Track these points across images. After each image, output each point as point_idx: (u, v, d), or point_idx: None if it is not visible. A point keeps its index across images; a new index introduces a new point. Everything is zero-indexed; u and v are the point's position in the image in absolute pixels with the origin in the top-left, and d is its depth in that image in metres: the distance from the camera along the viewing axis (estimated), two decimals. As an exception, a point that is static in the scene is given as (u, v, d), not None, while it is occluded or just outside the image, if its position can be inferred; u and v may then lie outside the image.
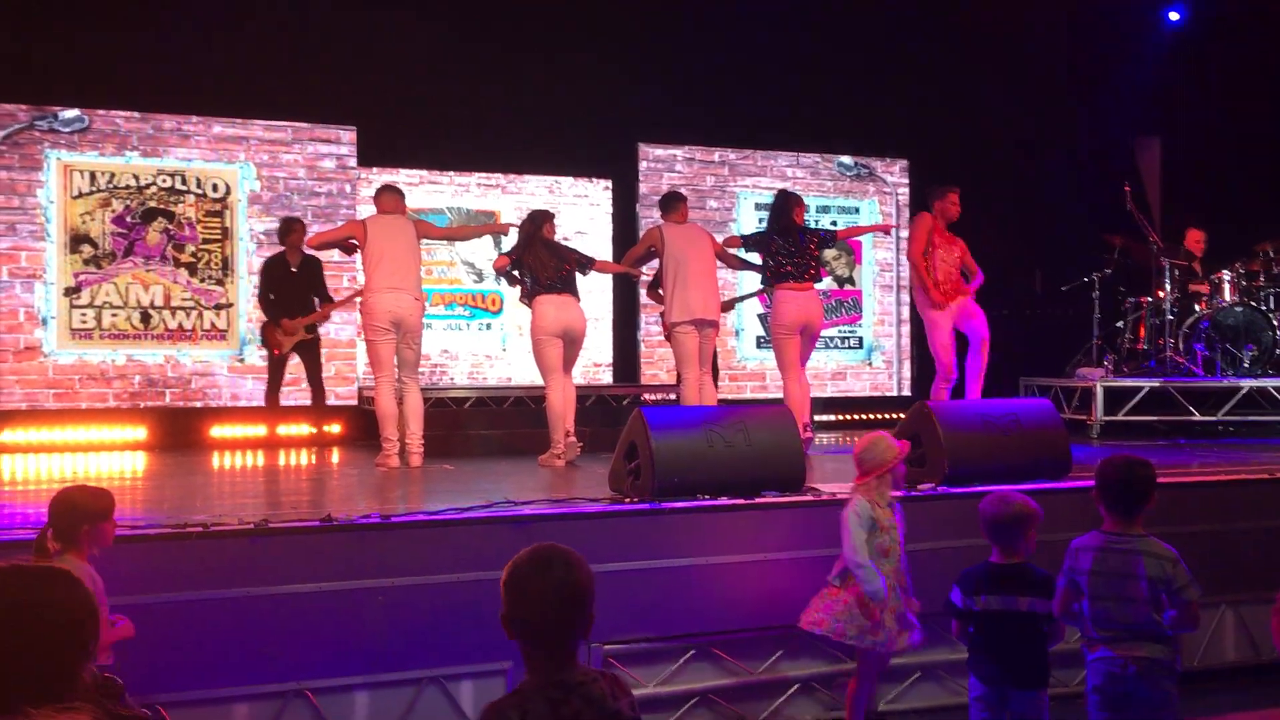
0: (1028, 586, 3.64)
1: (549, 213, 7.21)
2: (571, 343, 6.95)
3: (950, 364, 7.49)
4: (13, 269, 8.50)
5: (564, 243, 7.74)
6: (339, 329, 9.17)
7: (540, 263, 6.89)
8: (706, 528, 4.77)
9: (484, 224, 7.98)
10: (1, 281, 8.48)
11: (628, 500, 4.96)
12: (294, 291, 8.03)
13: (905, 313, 11.02)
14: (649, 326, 10.11)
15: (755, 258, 7.48)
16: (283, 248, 8.21)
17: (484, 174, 9.93)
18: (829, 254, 10.69)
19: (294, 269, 8.15)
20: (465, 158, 9.75)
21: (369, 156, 9.42)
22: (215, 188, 9.00)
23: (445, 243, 9.71)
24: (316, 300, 8.19)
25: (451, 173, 9.86)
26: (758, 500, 4.92)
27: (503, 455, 7.62)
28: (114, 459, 7.91)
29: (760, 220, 10.33)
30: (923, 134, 10.66)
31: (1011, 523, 3.66)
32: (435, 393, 8.65)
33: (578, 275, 7.08)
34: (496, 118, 9.62)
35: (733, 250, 7.52)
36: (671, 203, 7.43)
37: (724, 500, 4.90)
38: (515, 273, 7.04)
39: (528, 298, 6.99)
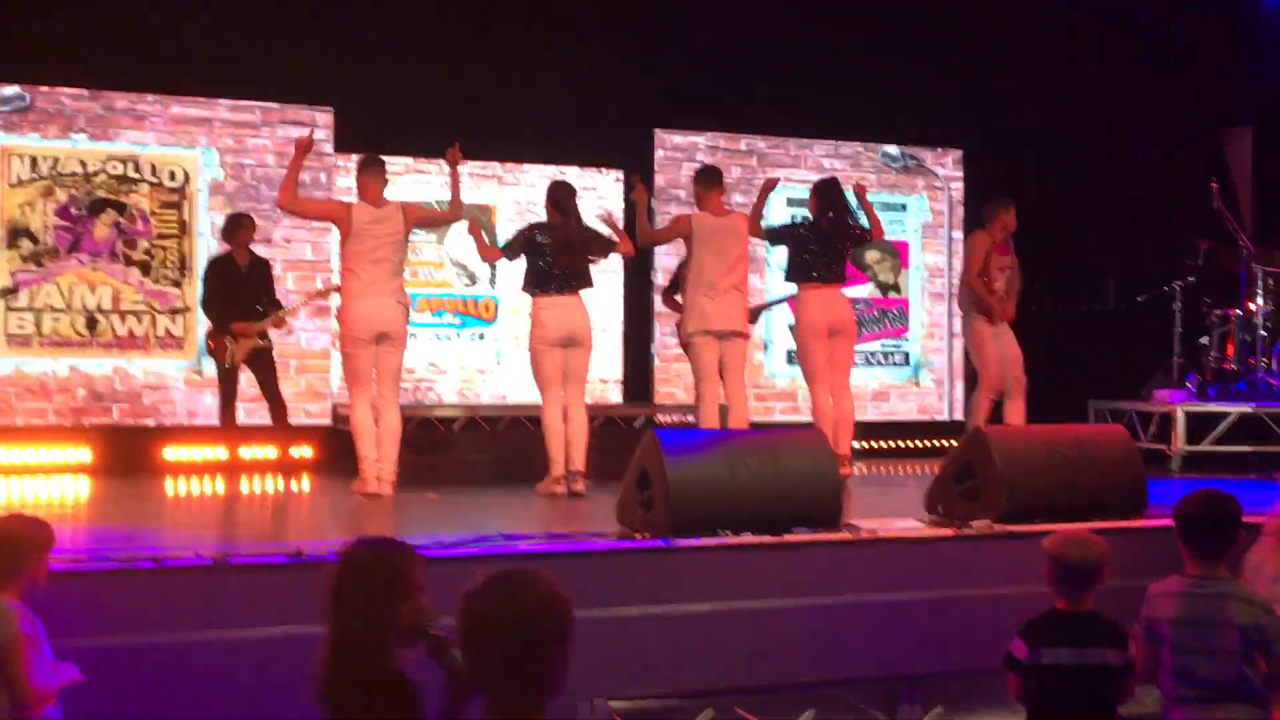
0: (1101, 637, 3.62)
1: (571, 187, 7.17)
2: (574, 348, 6.92)
3: (1000, 375, 7.60)
4: (-58, 266, 8.56)
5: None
6: (311, 337, 9.21)
7: (561, 250, 6.84)
8: (728, 568, 4.77)
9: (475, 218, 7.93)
10: (-71, 280, 8.53)
11: (638, 536, 4.97)
12: (244, 296, 8.09)
13: (958, 324, 11.00)
14: (664, 337, 10.12)
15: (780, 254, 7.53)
16: (228, 247, 8.27)
17: (478, 163, 9.95)
18: (870, 255, 10.70)
19: (243, 269, 8.20)
20: (459, 144, 9.74)
21: (347, 141, 9.45)
22: (172, 176, 9.06)
23: (435, 238, 9.75)
24: (266, 304, 8.22)
25: (440, 161, 9.87)
26: (787, 538, 4.92)
27: (496, 484, 7.63)
28: (53, 483, 7.94)
29: (794, 218, 10.35)
30: (980, 120, 10.65)
31: (1091, 569, 3.64)
32: (420, 411, 8.67)
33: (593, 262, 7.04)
34: (493, 99, 9.64)
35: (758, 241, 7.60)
36: (711, 179, 7.36)
37: (748, 537, 4.90)
38: (516, 256, 7.05)
39: (531, 288, 6.97)
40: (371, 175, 6.91)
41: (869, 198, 7.84)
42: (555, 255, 6.85)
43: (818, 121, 10.51)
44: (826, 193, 7.53)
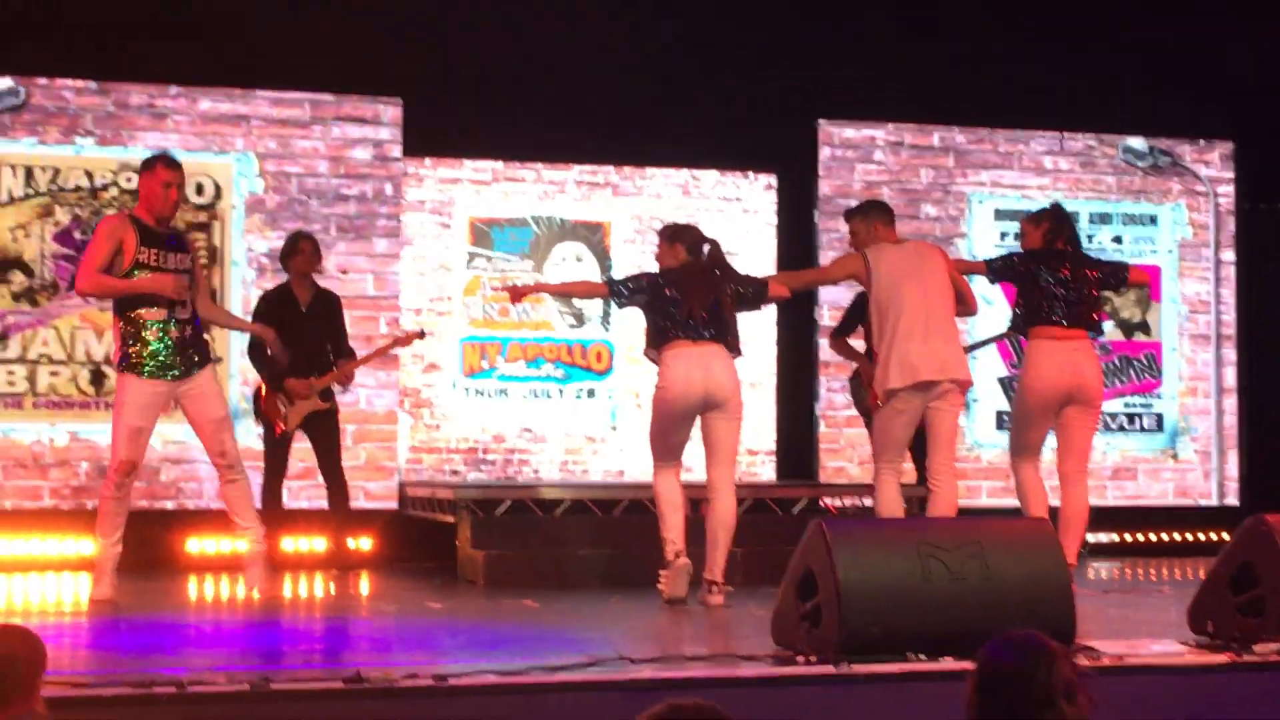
0: None
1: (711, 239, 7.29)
2: (715, 411, 6.94)
3: None
4: (-85, 307, 8.92)
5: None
6: (373, 395, 9.36)
7: (682, 292, 6.91)
8: (921, 703, 4.71)
9: None
10: (-101, 325, 8.88)
11: (800, 659, 4.93)
12: (304, 340, 8.21)
13: (1230, 376, 10.75)
14: (831, 395, 10.07)
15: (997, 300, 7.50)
16: (286, 276, 8.42)
17: (587, 166, 10.07)
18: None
19: (304, 308, 8.34)
20: (560, 144, 9.90)
21: (419, 142, 9.64)
22: (200, 190, 9.32)
23: (530, 266, 9.86)
24: (332, 353, 8.36)
25: (539, 165, 10.03)
26: (1001, 664, 4.84)
27: (611, 586, 7.64)
28: (48, 583, 8.17)
29: (1006, 238, 10.25)
30: (1257, 103, 10.45)
31: None
32: (512, 492, 8.74)
33: (738, 313, 7.09)
34: (606, 87, 9.74)
35: (971, 276, 7.55)
36: (877, 213, 7.42)
37: (948, 663, 4.83)
38: (626, 301, 7.16)
39: (653, 346, 7.04)
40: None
41: (1108, 206, 7.74)
42: (682, 300, 6.90)
43: (1035, 107, 10.41)
44: (1060, 218, 7.55)
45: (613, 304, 7.47)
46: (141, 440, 6.84)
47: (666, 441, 7.03)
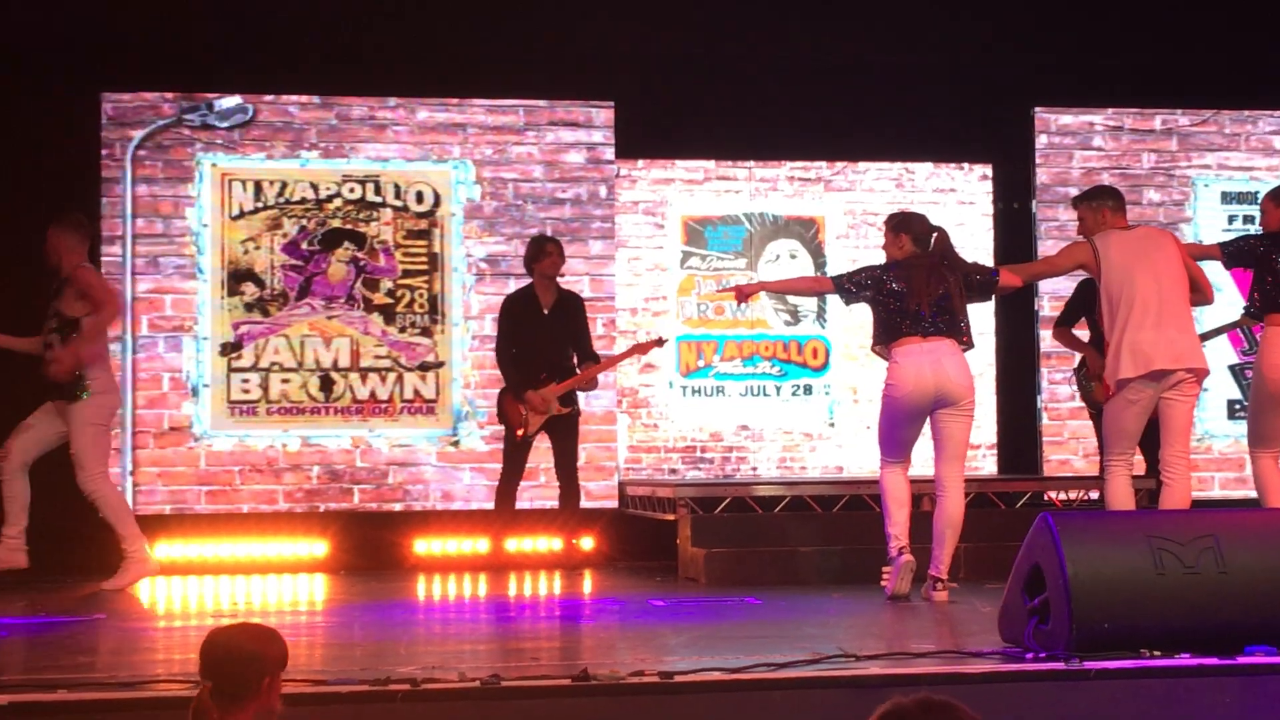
0: None
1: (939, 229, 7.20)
2: (947, 408, 6.86)
3: None
4: (154, 319, 9.30)
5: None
6: (593, 396, 9.45)
7: (909, 286, 6.86)
8: (1157, 701, 4.60)
9: None
10: (141, 338, 9.27)
11: (1029, 656, 4.86)
12: (547, 343, 8.30)
13: None
14: (1054, 388, 9.88)
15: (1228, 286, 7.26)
16: (530, 279, 8.53)
17: (799, 164, 10.05)
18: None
19: (546, 310, 8.44)
20: (770, 141, 9.92)
21: (631, 144, 9.73)
22: (420, 198, 9.54)
23: (744, 264, 9.87)
24: (576, 357, 8.46)
25: (751, 163, 10.04)
26: (1240, 660, 4.71)
27: (833, 582, 7.64)
28: (284, 584, 8.44)
29: (1234, 221, 9.94)
30: None
31: None
32: (731, 490, 8.77)
33: (968, 304, 7.02)
34: (816, 82, 9.72)
35: (1204, 262, 7.29)
36: (1105, 198, 7.19)
37: (1184, 659, 4.72)
38: (854, 297, 7.10)
39: (881, 343, 6.98)
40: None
41: None
42: (910, 293, 6.82)
43: (1261, 86, 10.07)
44: None
45: (838, 300, 7.38)
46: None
47: (896, 439, 6.97)
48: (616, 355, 8.78)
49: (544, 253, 8.41)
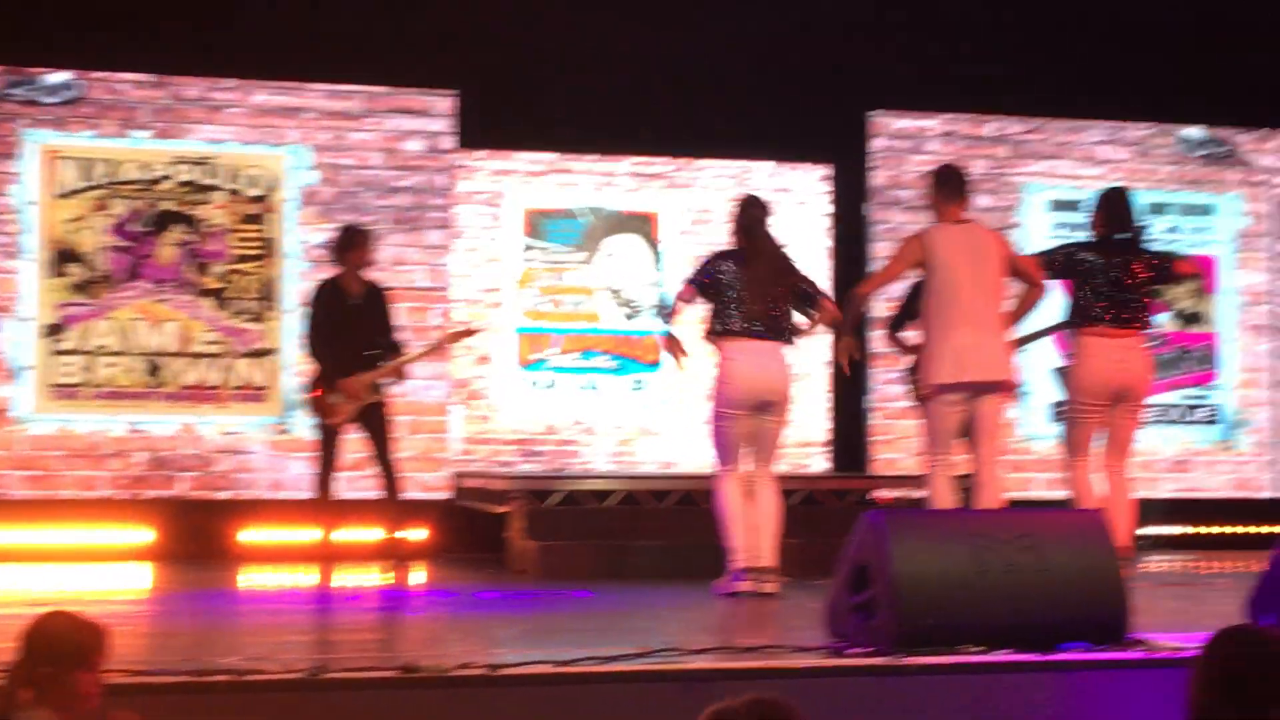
0: None
1: (764, 204, 7.27)
2: (766, 412, 6.96)
3: None
4: (-26, 299, 9.02)
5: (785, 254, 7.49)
6: (426, 387, 9.39)
7: (753, 286, 6.91)
8: (975, 696, 4.69)
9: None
10: (-41, 316, 8.99)
11: (854, 651, 4.92)
12: (354, 334, 8.25)
13: (1290, 368, 10.66)
14: (884, 388, 10.03)
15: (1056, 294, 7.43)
16: (340, 269, 8.46)
17: (640, 159, 10.07)
18: (1165, 276, 10.46)
19: (354, 300, 8.37)
20: (613, 135, 9.90)
21: (473, 135, 9.67)
22: (254, 181, 9.38)
23: (583, 257, 9.87)
24: (382, 347, 8.39)
25: (593, 156, 10.04)
26: (1055, 656, 4.82)
27: (663, 578, 7.66)
28: (107, 572, 8.25)
29: (1061, 229, 10.16)
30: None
31: None
32: (564, 483, 8.76)
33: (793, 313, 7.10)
34: (659, 78, 9.74)
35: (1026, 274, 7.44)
36: (951, 186, 7.22)
37: (1003, 655, 4.81)
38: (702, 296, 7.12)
39: (714, 335, 7.03)
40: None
41: (1164, 196, 7.63)
42: (743, 295, 6.90)
43: (1091, 97, 10.33)
44: (1116, 206, 7.42)
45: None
46: None
47: (729, 442, 7.03)
48: (427, 346, 8.68)
49: (355, 243, 8.32)
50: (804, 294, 7.20)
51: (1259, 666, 2.95)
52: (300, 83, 9.43)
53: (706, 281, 7.05)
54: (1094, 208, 7.55)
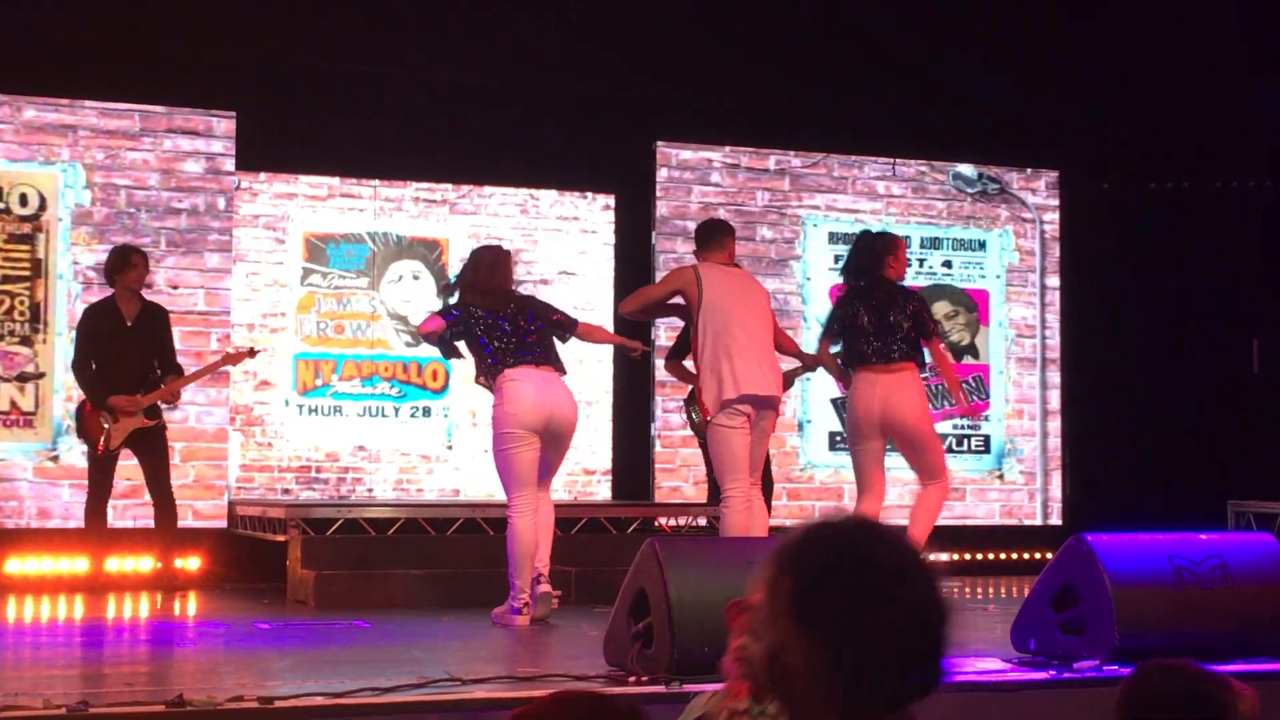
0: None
1: (506, 250, 7.44)
2: (556, 440, 6.99)
3: None
4: None
5: (533, 294, 7.94)
6: (203, 413, 9.21)
7: (495, 322, 6.97)
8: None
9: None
10: None
11: (631, 680, 4.94)
12: (129, 356, 8.10)
13: (1054, 399, 11.01)
14: (667, 416, 10.12)
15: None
16: (112, 291, 8.29)
17: (425, 184, 10.02)
18: (938, 309, 10.74)
19: (129, 322, 8.22)
20: (396, 161, 9.86)
21: (253, 157, 9.53)
22: (24, 200, 9.12)
23: (366, 283, 9.79)
24: (160, 369, 8.25)
25: (376, 181, 9.96)
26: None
27: (442, 607, 7.61)
28: None
29: (838, 261, 10.37)
30: (1081, 133, 10.74)
31: (1191, 708, 3.56)
32: (344, 511, 8.67)
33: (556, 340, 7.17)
34: (445, 104, 9.73)
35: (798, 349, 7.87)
36: (713, 235, 7.51)
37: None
38: (455, 341, 7.12)
39: (487, 377, 7.03)
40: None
41: (939, 231, 7.88)
42: (501, 329, 7.02)
43: (869, 134, 10.58)
44: (866, 251, 7.61)
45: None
46: None
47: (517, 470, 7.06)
48: (205, 367, 8.57)
49: (129, 264, 8.19)
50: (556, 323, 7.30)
51: (1180, 701, 3.01)
52: (73, 100, 9.18)
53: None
54: (856, 249, 7.74)
